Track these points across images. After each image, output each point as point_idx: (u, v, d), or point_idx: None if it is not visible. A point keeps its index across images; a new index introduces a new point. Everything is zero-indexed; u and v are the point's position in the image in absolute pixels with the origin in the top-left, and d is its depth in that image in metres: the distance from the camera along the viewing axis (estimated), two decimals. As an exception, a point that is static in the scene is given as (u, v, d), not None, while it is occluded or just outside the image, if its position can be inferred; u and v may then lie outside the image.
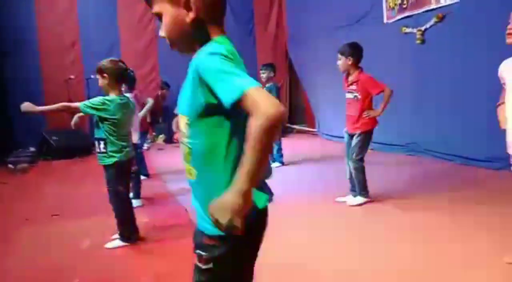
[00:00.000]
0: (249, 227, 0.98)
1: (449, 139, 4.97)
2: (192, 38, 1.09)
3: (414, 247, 2.64)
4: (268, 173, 1.18)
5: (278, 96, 5.40)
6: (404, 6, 5.50)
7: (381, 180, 4.14)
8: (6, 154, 6.30)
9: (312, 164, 5.60)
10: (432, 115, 5.24)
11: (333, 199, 3.75)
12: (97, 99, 2.69)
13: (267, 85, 5.37)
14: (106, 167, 2.80)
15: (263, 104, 0.87)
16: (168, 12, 1.07)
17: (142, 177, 4.68)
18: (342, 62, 3.55)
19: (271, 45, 9.27)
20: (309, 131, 8.84)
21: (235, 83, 0.90)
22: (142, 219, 3.31)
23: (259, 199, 1.06)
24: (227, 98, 0.91)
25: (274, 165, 5.43)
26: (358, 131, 3.54)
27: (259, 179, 0.94)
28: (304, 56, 8.43)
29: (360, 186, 3.59)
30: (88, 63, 7.36)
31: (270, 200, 1.13)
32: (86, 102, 2.70)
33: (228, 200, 0.91)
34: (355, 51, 3.53)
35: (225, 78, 0.92)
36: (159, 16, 1.10)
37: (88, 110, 2.67)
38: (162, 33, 1.11)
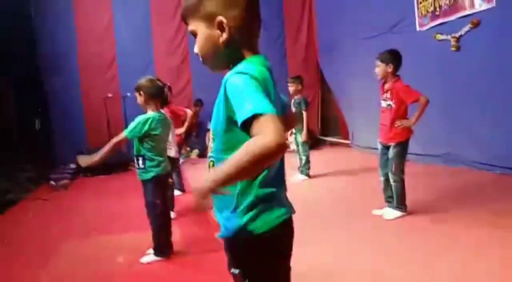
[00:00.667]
0: (271, 238, 1.08)
1: (487, 148, 4.76)
2: (224, 57, 1.13)
3: (451, 263, 2.52)
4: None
5: (307, 109, 5.39)
6: (437, 13, 5.37)
7: (418, 192, 4.01)
8: (48, 171, 6.57)
9: (347, 176, 5.50)
10: (469, 124, 5.05)
11: (370, 211, 3.66)
12: (136, 122, 2.81)
13: (296, 98, 5.37)
14: (144, 182, 2.89)
15: (268, 134, 0.87)
16: (202, 31, 1.12)
17: (177, 192, 4.78)
18: (381, 69, 3.47)
19: (302, 57, 9.27)
20: (342, 143, 8.71)
21: (250, 104, 0.92)
22: (175, 233, 3.34)
23: (278, 212, 1.12)
24: (239, 117, 0.93)
25: (300, 178, 5.39)
26: (392, 143, 3.46)
27: (230, 183, 0.98)
28: (336, 67, 8.36)
29: (398, 199, 3.49)
30: (124, 81, 7.63)
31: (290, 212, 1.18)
32: (129, 129, 2.82)
33: (202, 186, 0.99)
34: (395, 59, 3.47)
35: (244, 98, 0.94)
36: (194, 34, 1.15)
37: (134, 134, 2.80)
38: (196, 50, 1.16)
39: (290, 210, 1.18)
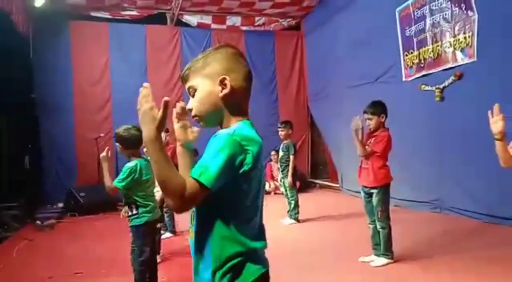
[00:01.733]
0: None
1: (474, 196, 4.84)
2: (219, 113, 1.23)
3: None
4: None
5: (295, 153, 5.50)
6: (422, 65, 5.63)
7: (405, 239, 4.04)
8: (34, 210, 6.48)
9: (335, 221, 5.51)
10: (455, 172, 5.16)
11: (357, 258, 3.66)
12: (125, 172, 2.82)
13: (285, 142, 5.49)
14: (135, 227, 2.87)
15: (184, 199, 1.06)
16: (204, 86, 1.22)
17: (169, 235, 4.79)
18: (375, 121, 3.55)
19: (293, 102, 9.51)
20: (332, 186, 8.76)
21: (203, 170, 1.07)
22: (161, 277, 3.30)
23: (251, 271, 1.16)
24: (193, 170, 1.10)
25: (288, 222, 5.40)
26: (375, 189, 3.52)
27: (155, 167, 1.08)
28: (325, 112, 8.58)
29: (385, 246, 3.51)
30: (118, 121, 7.69)
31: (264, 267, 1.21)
32: (119, 179, 2.81)
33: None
34: (385, 109, 3.60)
35: (207, 160, 1.09)
36: (191, 90, 1.25)
37: (126, 184, 2.80)
38: (191, 105, 1.25)
39: (266, 264, 1.22)
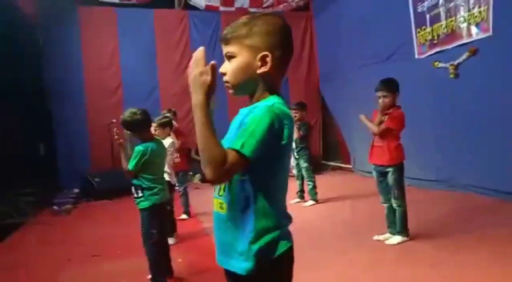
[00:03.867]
0: (275, 266, 1.15)
1: (489, 173, 4.78)
2: (253, 87, 1.21)
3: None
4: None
5: (308, 134, 5.52)
6: (435, 41, 5.50)
7: (419, 218, 4.01)
8: (51, 196, 6.60)
9: (349, 201, 5.50)
10: (470, 150, 5.09)
11: (369, 237, 3.66)
12: (136, 154, 2.83)
13: (298, 123, 5.42)
14: (142, 210, 2.90)
15: (224, 168, 1.05)
16: (243, 58, 1.18)
17: (184, 216, 4.87)
18: (390, 99, 3.47)
19: (303, 83, 9.41)
20: (344, 168, 8.73)
21: (244, 142, 1.07)
22: (176, 258, 3.35)
23: (281, 244, 1.18)
24: (234, 142, 1.08)
25: (308, 203, 5.40)
26: (389, 168, 3.49)
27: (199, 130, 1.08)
28: (336, 94, 8.49)
29: (401, 224, 3.50)
30: (129, 106, 7.67)
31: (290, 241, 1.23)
32: (132, 163, 2.83)
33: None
34: (398, 87, 3.52)
35: (247, 133, 1.08)
36: (230, 56, 1.20)
37: (136, 168, 2.82)
38: (224, 70, 1.21)
39: (291, 239, 1.24)
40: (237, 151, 1.06)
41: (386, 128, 3.47)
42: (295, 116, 5.38)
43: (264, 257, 1.15)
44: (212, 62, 1.11)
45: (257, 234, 1.14)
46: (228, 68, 1.21)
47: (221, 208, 1.20)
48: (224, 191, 1.19)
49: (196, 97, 1.09)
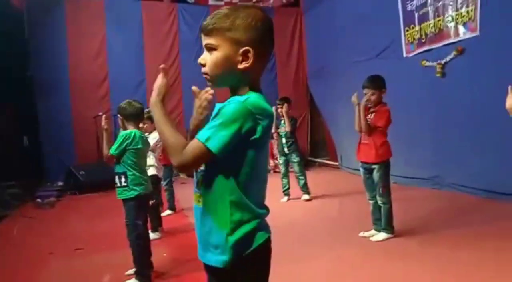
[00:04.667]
0: (252, 257, 1.16)
1: (473, 172, 4.85)
2: (232, 81, 1.20)
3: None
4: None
5: (295, 129, 5.53)
6: (423, 40, 5.54)
7: (405, 215, 4.05)
8: (35, 189, 6.50)
9: (336, 198, 5.53)
10: (455, 148, 5.15)
11: (355, 233, 3.68)
12: (119, 138, 2.85)
13: (289, 117, 5.43)
14: (126, 201, 2.86)
15: (184, 155, 1.10)
16: (224, 51, 1.16)
17: (169, 211, 4.83)
18: (377, 96, 3.48)
19: (292, 80, 9.44)
20: (331, 165, 8.78)
21: (210, 134, 1.09)
22: (161, 252, 3.33)
23: (259, 236, 1.19)
24: (201, 132, 1.12)
25: (304, 198, 5.43)
26: (376, 164, 3.50)
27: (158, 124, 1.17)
28: (324, 90, 8.51)
29: (386, 221, 3.53)
30: (116, 99, 7.62)
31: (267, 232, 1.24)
32: (112, 147, 2.84)
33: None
34: (385, 83, 3.54)
35: (216, 125, 1.10)
36: (211, 48, 1.17)
37: (117, 151, 2.82)
38: (203, 61, 1.19)
39: (269, 230, 1.25)
40: (202, 143, 1.09)
41: (374, 126, 3.49)
42: (280, 110, 5.39)
43: (241, 249, 1.15)
44: (162, 65, 1.23)
45: (233, 226, 1.15)
46: (207, 59, 1.18)
47: (199, 201, 1.21)
48: (201, 184, 1.20)
49: (151, 99, 1.19)
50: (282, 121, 5.44)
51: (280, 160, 5.60)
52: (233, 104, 1.11)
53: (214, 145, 1.08)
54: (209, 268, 1.22)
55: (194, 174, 1.24)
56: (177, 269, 3.11)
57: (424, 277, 2.70)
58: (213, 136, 1.08)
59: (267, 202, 1.25)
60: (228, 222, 1.15)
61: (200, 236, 1.23)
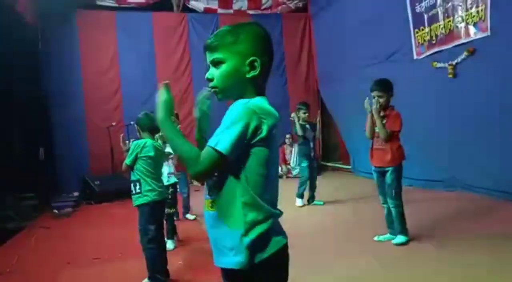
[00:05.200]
0: (270, 263, 1.18)
1: (488, 174, 4.78)
2: (241, 90, 1.25)
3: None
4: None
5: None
6: (434, 41, 5.51)
7: (419, 217, 4.02)
8: (50, 199, 6.59)
9: (348, 202, 5.50)
10: (470, 149, 5.09)
11: (371, 238, 3.66)
12: (132, 147, 2.95)
13: (305, 122, 5.47)
14: (139, 207, 2.93)
15: (199, 164, 1.14)
16: (232, 62, 1.24)
17: (190, 216, 5.01)
18: (386, 99, 3.47)
19: (302, 84, 9.44)
20: (343, 169, 8.73)
21: (219, 139, 1.13)
22: (176, 260, 3.35)
23: (275, 241, 1.21)
24: (211, 139, 1.16)
25: (319, 202, 5.43)
26: (390, 167, 3.48)
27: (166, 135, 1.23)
28: (335, 94, 8.50)
29: (401, 224, 3.50)
30: (128, 109, 7.73)
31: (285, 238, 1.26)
32: (127, 157, 2.94)
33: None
34: (392, 86, 3.53)
35: (223, 129, 1.15)
36: (215, 61, 1.25)
37: (131, 160, 2.92)
38: (211, 76, 1.26)
39: (286, 236, 1.27)
40: (212, 148, 1.13)
41: (391, 132, 3.46)
42: (305, 116, 5.44)
43: (256, 249, 1.17)
44: (165, 81, 1.28)
45: (247, 227, 1.17)
46: (215, 74, 1.25)
47: (211, 206, 1.24)
48: (213, 189, 1.23)
49: (160, 116, 1.24)
50: (307, 126, 5.46)
51: (304, 164, 5.53)
52: (236, 107, 1.18)
53: (223, 147, 1.12)
54: (226, 273, 1.24)
55: (208, 181, 1.26)
56: (192, 277, 3.12)
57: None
58: (221, 139, 1.13)
59: (280, 206, 1.27)
60: (242, 223, 1.17)
61: (214, 241, 1.25)
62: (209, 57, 1.26)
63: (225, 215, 1.20)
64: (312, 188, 5.50)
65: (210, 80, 1.26)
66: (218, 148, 1.12)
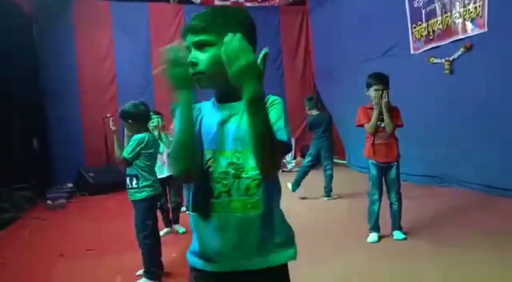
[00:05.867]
0: None
1: (484, 170, 4.80)
2: (227, 79, 1.02)
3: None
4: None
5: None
6: (431, 37, 5.50)
7: (414, 213, 4.03)
8: (45, 190, 6.56)
9: (344, 197, 5.50)
10: (465, 145, 5.11)
11: (366, 233, 3.66)
12: (133, 142, 2.86)
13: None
14: (136, 202, 2.90)
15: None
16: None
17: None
18: (387, 93, 3.38)
19: (299, 78, 9.42)
20: (339, 163, 8.74)
21: (286, 130, 1.10)
22: (171, 253, 3.35)
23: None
24: (282, 132, 1.08)
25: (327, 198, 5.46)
26: (395, 162, 3.48)
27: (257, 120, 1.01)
28: (332, 89, 8.49)
29: (400, 219, 3.50)
30: (123, 101, 7.60)
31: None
32: (128, 150, 2.85)
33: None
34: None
35: (280, 120, 1.10)
36: (202, 44, 1.10)
37: (131, 155, 2.84)
38: (195, 59, 1.10)
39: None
40: (284, 141, 1.10)
41: (397, 126, 3.44)
42: (312, 111, 5.63)
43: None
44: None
45: (284, 237, 1.19)
46: (202, 57, 1.10)
47: (253, 207, 1.12)
48: (256, 188, 1.11)
49: (258, 89, 1.00)
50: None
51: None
52: (280, 102, 1.15)
53: (289, 139, 1.12)
54: (266, 273, 1.14)
55: (237, 180, 1.12)
56: (187, 269, 3.11)
57: (437, 277, 2.68)
58: (286, 131, 1.10)
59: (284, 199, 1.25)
60: (282, 220, 1.21)
61: (255, 244, 1.13)
62: (192, 38, 1.11)
63: (275, 211, 1.17)
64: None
65: (195, 64, 1.10)
66: (287, 140, 1.11)
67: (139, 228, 2.89)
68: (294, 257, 1.18)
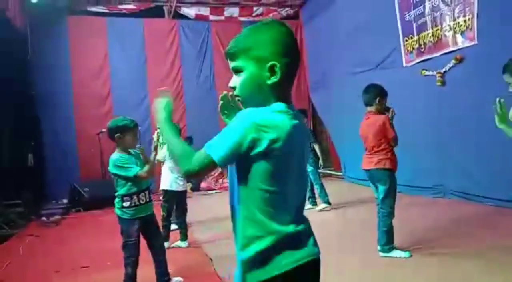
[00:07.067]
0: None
1: (476, 180, 4.83)
2: (264, 98, 1.17)
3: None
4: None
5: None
6: (422, 50, 5.59)
7: (408, 224, 4.03)
8: (40, 207, 6.51)
9: (340, 209, 5.51)
10: (456, 157, 5.15)
11: (360, 245, 3.66)
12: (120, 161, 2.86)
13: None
14: (152, 216, 2.99)
15: (192, 164, 1.12)
16: (250, 70, 1.16)
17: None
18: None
19: (294, 91, 9.35)
20: (335, 175, 8.77)
21: (213, 144, 1.11)
22: (168, 268, 3.31)
23: (280, 262, 1.12)
24: (208, 143, 1.13)
25: (320, 207, 5.44)
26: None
27: (167, 137, 1.26)
28: (326, 101, 8.55)
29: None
30: (119, 115, 7.70)
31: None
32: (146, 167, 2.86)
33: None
34: None
35: (219, 135, 1.12)
36: (237, 70, 1.19)
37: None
38: (233, 84, 1.21)
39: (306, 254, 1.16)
40: (206, 151, 1.12)
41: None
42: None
43: (252, 267, 1.13)
44: (165, 87, 1.39)
45: (245, 242, 1.14)
46: (237, 82, 1.19)
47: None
48: (231, 198, 1.22)
49: (161, 115, 1.35)
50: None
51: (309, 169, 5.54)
52: (239, 115, 1.11)
53: (217, 155, 1.09)
54: None
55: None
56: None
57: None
58: (217, 146, 1.10)
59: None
60: (241, 237, 1.15)
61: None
62: (230, 65, 1.21)
63: (233, 227, 1.19)
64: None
65: (233, 88, 1.21)
66: (212, 154, 1.09)
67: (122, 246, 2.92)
68: (236, 279, 1.18)
